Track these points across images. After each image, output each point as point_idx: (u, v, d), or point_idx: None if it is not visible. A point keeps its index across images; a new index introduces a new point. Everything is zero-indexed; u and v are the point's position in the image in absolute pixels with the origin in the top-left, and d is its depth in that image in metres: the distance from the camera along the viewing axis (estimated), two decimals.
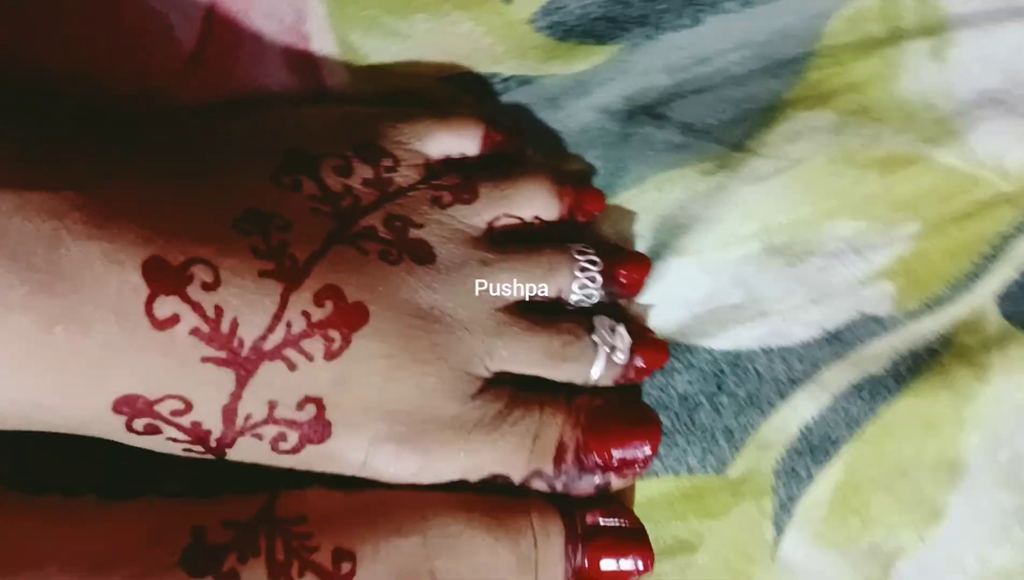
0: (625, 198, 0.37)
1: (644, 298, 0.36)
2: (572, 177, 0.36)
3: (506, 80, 0.38)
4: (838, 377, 0.36)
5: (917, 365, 0.36)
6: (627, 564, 0.32)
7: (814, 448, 0.36)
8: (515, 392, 0.33)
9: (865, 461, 0.36)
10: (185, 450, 0.30)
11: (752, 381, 0.37)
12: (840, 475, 0.36)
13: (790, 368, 0.37)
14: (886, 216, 0.37)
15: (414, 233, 0.33)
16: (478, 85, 0.38)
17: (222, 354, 0.29)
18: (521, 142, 0.37)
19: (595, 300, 0.35)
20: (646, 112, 0.38)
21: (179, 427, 0.29)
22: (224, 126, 0.34)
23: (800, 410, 0.36)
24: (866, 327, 0.37)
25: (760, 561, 0.35)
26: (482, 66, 0.38)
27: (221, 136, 0.34)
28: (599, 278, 0.35)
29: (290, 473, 0.32)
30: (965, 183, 0.38)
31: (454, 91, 0.38)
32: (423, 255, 0.33)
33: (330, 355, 0.30)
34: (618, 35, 0.38)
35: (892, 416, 0.36)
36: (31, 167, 0.28)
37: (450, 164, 0.35)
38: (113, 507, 0.30)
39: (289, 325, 0.30)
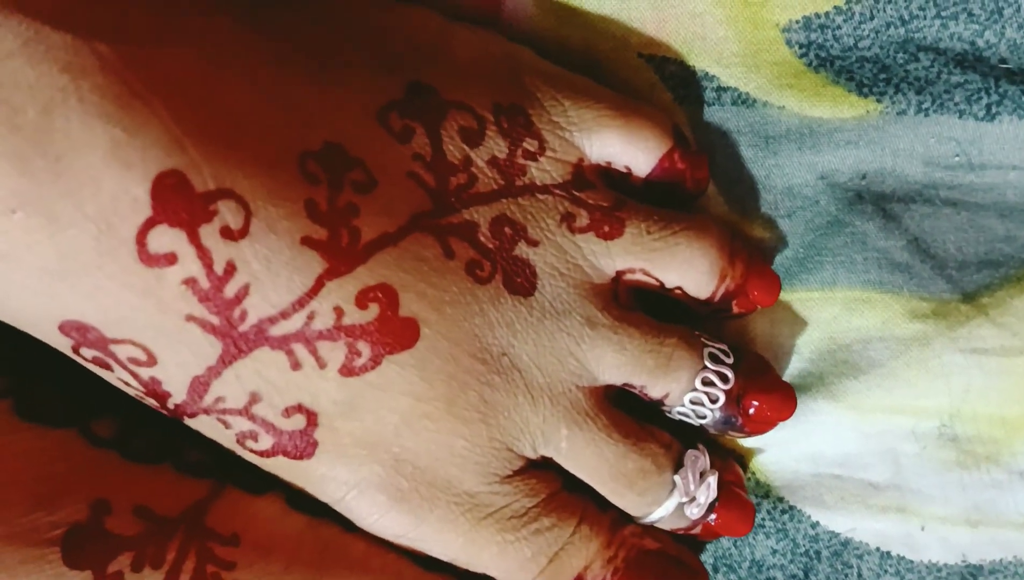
0: (800, 298, 0.29)
1: (764, 435, 0.28)
2: (747, 250, 0.27)
3: (722, 90, 0.28)
4: None
5: None
6: None
7: None
8: (556, 491, 0.26)
9: None
10: (137, 396, 0.24)
11: None
12: None
13: None
14: None
15: (522, 251, 0.25)
16: (684, 82, 0.28)
17: (214, 320, 0.22)
18: (705, 180, 0.28)
19: (703, 422, 0.27)
20: (877, 204, 0.28)
21: (135, 376, 0.23)
22: (345, 11, 0.26)
23: None
24: (1015, 578, 0.28)
25: None
26: (699, 60, 0.28)
27: (338, 27, 0.25)
28: (722, 399, 0.26)
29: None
30: None
31: (651, 78, 0.29)
32: (521, 283, 0.25)
33: (348, 371, 0.23)
34: (884, 91, 0.28)
35: None
36: None
37: (605, 176, 0.27)
38: (28, 431, 0.24)
39: (312, 317, 0.22)
